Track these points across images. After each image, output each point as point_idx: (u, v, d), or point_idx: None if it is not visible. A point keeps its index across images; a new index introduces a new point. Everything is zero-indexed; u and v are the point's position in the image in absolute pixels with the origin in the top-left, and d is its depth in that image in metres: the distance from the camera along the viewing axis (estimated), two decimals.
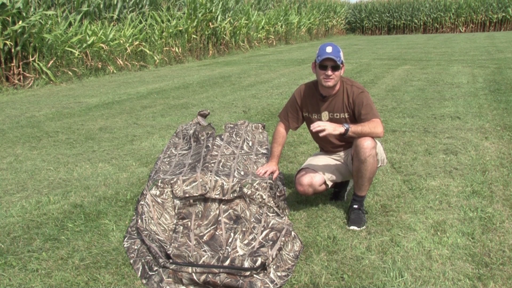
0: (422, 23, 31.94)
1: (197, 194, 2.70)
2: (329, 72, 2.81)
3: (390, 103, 6.59)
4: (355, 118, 2.91)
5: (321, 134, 2.72)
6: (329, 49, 2.80)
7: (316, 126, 2.71)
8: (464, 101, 6.46)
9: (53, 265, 2.44)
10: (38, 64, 9.60)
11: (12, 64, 9.27)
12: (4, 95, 8.53)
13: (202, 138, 3.48)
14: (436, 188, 3.35)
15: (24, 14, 9.27)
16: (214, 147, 3.21)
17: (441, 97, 6.86)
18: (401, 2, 33.06)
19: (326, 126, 2.70)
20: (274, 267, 2.30)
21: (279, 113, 3.24)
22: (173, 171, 3.08)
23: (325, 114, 2.99)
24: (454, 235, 2.64)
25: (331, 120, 2.96)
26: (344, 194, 3.24)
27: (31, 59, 9.53)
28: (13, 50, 9.15)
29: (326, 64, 2.81)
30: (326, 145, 3.15)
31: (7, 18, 8.90)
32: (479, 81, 8.24)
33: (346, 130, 2.73)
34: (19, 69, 9.41)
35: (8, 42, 8.91)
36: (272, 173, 3.06)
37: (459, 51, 14.60)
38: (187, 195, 2.70)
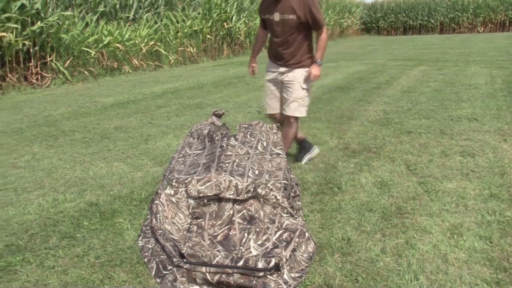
0: (439, 24, 31.56)
1: (211, 194, 2.70)
2: None
3: (405, 104, 6.52)
4: (301, 21, 3.46)
5: (314, 78, 3.62)
6: None
7: (312, 77, 3.60)
8: (482, 102, 6.37)
9: (69, 262, 2.46)
10: (55, 64, 9.73)
11: (30, 64, 9.41)
12: (23, 95, 8.66)
13: (216, 138, 3.48)
14: (453, 191, 3.31)
15: (42, 15, 9.41)
16: (229, 147, 3.21)
17: (458, 98, 6.77)
18: (417, 2, 32.70)
19: (316, 72, 3.60)
20: (288, 268, 2.29)
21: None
22: (188, 171, 3.09)
23: (277, 15, 3.51)
24: (471, 238, 2.60)
25: (282, 20, 3.50)
26: (302, 158, 4.04)
27: (48, 59, 9.66)
28: (31, 50, 9.29)
29: None
30: (277, 52, 3.69)
31: (26, 19, 9.04)
32: (498, 82, 8.11)
33: (320, 62, 3.62)
34: (37, 68, 9.55)
35: (27, 42, 9.05)
36: (253, 68, 3.97)
37: (476, 52, 14.40)
38: (201, 195, 2.71)
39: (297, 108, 3.72)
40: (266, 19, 3.65)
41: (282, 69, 3.72)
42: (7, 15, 8.57)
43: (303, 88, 3.70)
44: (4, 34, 8.49)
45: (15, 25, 8.66)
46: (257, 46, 3.96)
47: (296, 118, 3.78)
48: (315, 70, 3.61)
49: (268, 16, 3.61)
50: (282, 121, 3.85)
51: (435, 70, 10.27)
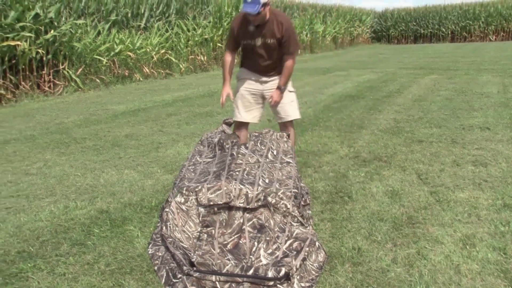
0: (449, 32, 31.44)
1: (221, 202, 2.70)
2: (252, 18, 3.40)
3: (416, 113, 6.49)
4: (279, 43, 3.53)
5: (274, 103, 3.68)
6: (246, 7, 3.30)
7: (273, 102, 3.65)
8: (495, 111, 6.31)
9: (79, 269, 2.47)
10: (67, 72, 9.84)
11: (43, 72, 9.54)
12: (35, 102, 8.77)
13: (227, 146, 3.49)
14: (465, 201, 3.27)
15: (55, 24, 9.55)
16: (239, 155, 3.21)
17: (469, 107, 6.72)
18: (428, 10, 32.64)
19: (277, 98, 3.64)
20: (298, 277, 2.28)
21: (225, 45, 3.84)
22: (198, 179, 3.10)
23: (258, 40, 3.55)
24: (485, 249, 2.56)
25: (264, 45, 3.55)
26: None
27: (61, 67, 9.78)
28: (44, 58, 9.41)
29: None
30: (261, 64, 3.68)
31: (40, 28, 9.17)
32: (510, 91, 8.04)
33: (284, 89, 3.67)
34: (50, 76, 9.66)
35: (40, 51, 9.18)
36: (228, 95, 3.73)
37: (488, 60, 14.30)
38: (211, 203, 2.71)
39: (293, 111, 3.81)
40: (246, 44, 3.62)
41: (264, 78, 3.75)
42: (21, 24, 8.70)
43: (290, 91, 3.80)
44: (18, 42, 8.62)
45: (29, 34, 8.79)
46: (227, 72, 3.75)
47: (292, 122, 3.87)
48: (276, 95, 3.65)
49: (249, 41, 3.59)
50: (244, 133, 3.86)
51: (446, 78, 10.22)
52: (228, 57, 3.71)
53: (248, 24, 3.49)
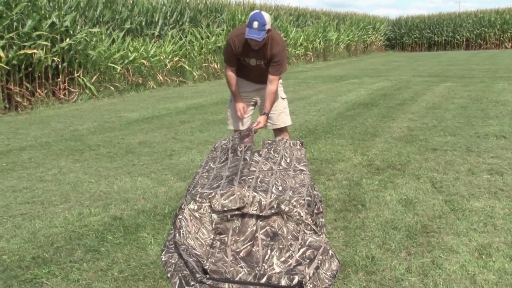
0: (464, 39, 31.19)
1: (235, 208, 2.70)
2: (254, 43, 3.46)
3: (430, 121, 6.43)
4: (269, 62, 3.62)
5: (259, 127, 3.75)
6: (251, 32, 3.35)
7: (258, 127, 3.74)
8: (511, 119, 6.23)
9: (93, 276, 2.49)
10: (82, 80, 9.97)
11: (59, 79, 9.68)
12: (50, 109, 8.89)
13: (239, 149, 3.49)
14: (480, 210, 3.23)
15: (71, 32, 9.70)
16: (252, 162, 3.21)
17: (485, 115, 6.65)
18: (442, 18, 32.46)
19: (263, 123, 3.77)
20: (311, 286, 2.26)
21: (224, 60, 3.85)
22: (211, 184, 3.10)
23: (253, 60, 3.65)
24: (501, 259, 2.52)
25: (257, 65, 3.66)
26: None
27: (76, 75, 9.91)
28: (60, 66, 9.55)
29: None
30: (255, 77, 3.79)
31: (56, 36, 9.32)
32: None
33: (268, 114, 3.77)
34: (65, 84, 9.80)
35: (55, 59, 9.32)
36: (244, 108, 3.83)
37: (504, 68, 14.14)
38: (225, 209, 2.71)
39: (286, 118, 3.97)
40: (242, 60, 3.70)
41: (259, 86, 3.84)
42: (38, 32, 8.86)
43: (282, 98, 3.94)
44: (35, 51, 8.77)
45: (46, 42, 8.94)
46: (236, 88, 3.83)
47: (286, 127, 4.02)
48: (263, 121, 3.77)
49: (244, 58, 3.68)
50: None
51: (461, 86, 10.12)
52: (231, 73, 3.78)
53: (246, 44, 3.54)
